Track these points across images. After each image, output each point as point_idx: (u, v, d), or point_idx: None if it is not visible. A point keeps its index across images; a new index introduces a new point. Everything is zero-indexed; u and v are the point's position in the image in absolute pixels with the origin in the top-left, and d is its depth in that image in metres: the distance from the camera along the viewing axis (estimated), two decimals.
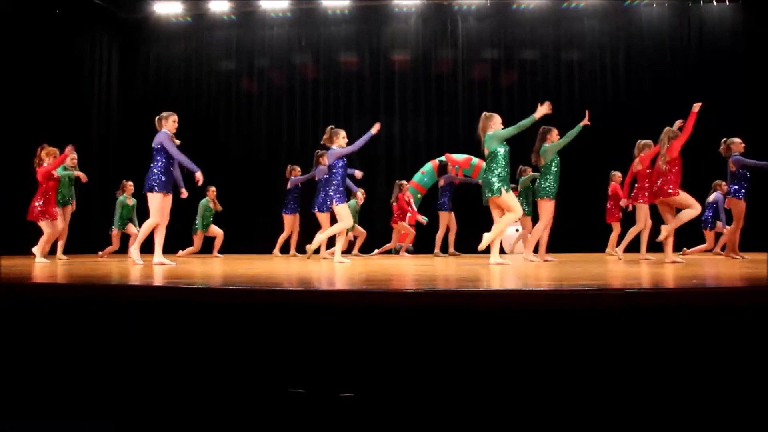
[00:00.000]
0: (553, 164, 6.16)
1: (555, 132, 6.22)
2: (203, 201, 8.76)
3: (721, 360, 2.28)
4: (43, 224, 6.45)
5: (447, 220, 8.68)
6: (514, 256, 8.19)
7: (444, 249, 8.79)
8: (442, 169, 9.18)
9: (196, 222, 8.79)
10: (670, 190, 5.40)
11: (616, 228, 8.36)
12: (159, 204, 5.40)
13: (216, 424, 2.50)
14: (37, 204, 6.44)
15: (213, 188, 8.78)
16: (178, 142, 5.60)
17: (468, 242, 8.67)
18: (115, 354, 2.65)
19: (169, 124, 5.57)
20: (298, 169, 8.76)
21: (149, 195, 5.42)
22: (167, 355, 2.61)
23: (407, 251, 9.18)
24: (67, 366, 2.68)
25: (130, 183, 8.36)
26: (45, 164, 6.48)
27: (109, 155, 10.78)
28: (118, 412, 2.60)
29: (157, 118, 5.60)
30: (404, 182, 9.02)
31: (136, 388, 2.61)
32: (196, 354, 2.58)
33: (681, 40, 10.59)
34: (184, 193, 6.07)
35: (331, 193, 5.94)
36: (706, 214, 7.75)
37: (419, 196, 9.94)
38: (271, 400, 2.43)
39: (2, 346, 2.74)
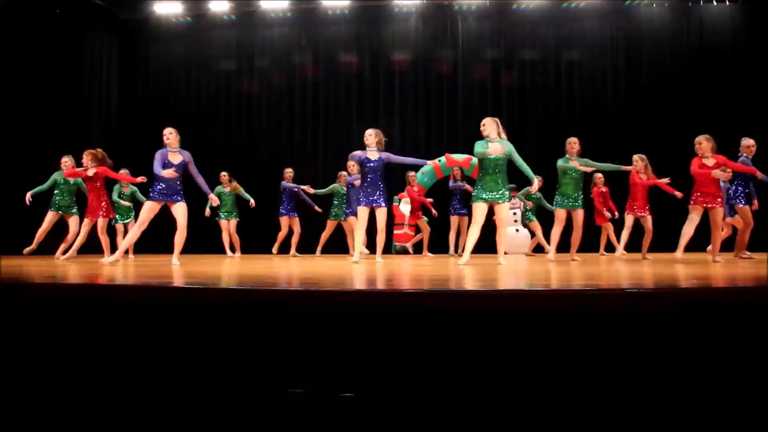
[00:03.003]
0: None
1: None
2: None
3: (721, 360, 2.28)
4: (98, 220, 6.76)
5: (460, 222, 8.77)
6: (514, 256, 8.18)
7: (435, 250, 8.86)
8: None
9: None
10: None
11: (609, 228, 8.36)
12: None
13: (216, 424, 2.50)
14: (102, 202, 6.77)
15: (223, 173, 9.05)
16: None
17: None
18: (115, 354, 2.65)
19: None
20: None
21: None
22: (167, 355, 2.61)
23: (397, 251, 9.19)
24: (65, 367, 2.68)
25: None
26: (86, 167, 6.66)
27: (109, 155, 10.76)
28: (117, 413, 2.60)
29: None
30: (411, 173, 9.07)
31: (135, 389, 2.61)
32: (196, 354, 2.58)
33: (681, 40, 10.58)
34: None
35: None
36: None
37: None
38: (271, 400, 2.43)
39: (2, 347, 2.74)
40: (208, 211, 8.37)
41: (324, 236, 9.00)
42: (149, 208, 5.58)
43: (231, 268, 4.82)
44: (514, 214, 9.37)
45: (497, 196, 5.24)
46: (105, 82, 11.08)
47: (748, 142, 6.43)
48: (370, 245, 8.20)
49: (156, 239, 9.17)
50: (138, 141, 10.56)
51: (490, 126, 5.32)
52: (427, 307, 2.44)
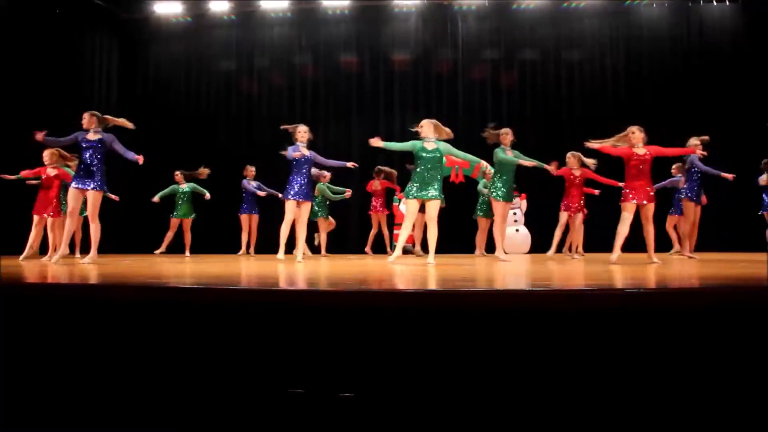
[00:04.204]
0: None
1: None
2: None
3: (721, 360, 2.28)
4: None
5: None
6: (513, 256, 8.18)
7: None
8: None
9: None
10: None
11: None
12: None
13: (216, 424, 2.50)
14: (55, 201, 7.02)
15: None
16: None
17: (464, 242, 8.69)
18: (115, 354, 2.65)
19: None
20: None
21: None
22: (168, 355, 2.61)
23: (409, 251, 9.17)
24: (64, 368, 2.68)
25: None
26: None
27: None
28: (117, 413, 2.60)
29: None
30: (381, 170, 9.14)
31: (135, 390, 2.61)
32: (196, 354, 2.58)
33: (681, 40, 10.58)
34: None
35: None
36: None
37: None
38: (271, 400, 2.43)
39: (1, 347, 2.74)
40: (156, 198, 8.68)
41: (324, 236, 9.02)
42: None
43: (231, 268, 4.82)
44: (515, 214, 9.37)
45: (426, 193, 5.39)
46: (105, 82, 11.07)
47: (694, 141, 6.61)
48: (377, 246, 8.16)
49: (153, 239, 9.18)
50: (137, 141, 10.55)
51: (427, 127, 5.53)
52: (427, 308, 2.44)
